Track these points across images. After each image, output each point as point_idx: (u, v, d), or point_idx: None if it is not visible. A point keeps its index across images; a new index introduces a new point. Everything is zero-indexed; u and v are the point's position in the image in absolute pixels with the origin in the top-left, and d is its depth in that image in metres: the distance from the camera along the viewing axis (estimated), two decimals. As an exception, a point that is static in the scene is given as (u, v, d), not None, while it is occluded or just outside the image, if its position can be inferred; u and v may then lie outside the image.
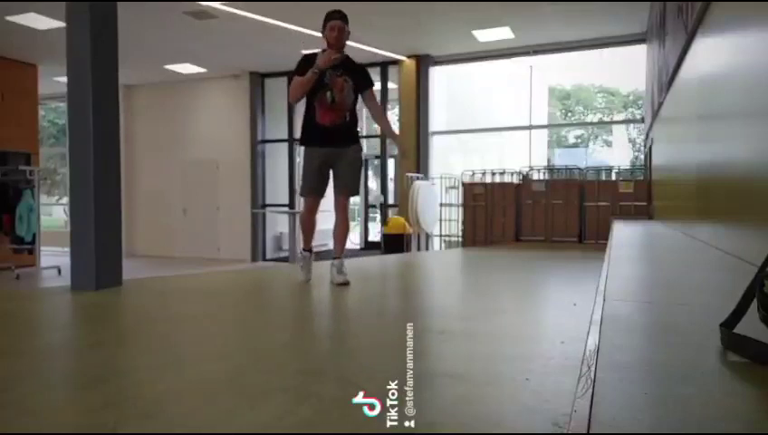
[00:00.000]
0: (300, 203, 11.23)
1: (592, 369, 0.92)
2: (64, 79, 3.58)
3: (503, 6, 7.55)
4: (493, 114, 11.47)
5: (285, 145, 11.47)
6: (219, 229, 11.73)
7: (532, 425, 1.26)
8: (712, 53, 2.95)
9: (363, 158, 3.70)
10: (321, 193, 3.51)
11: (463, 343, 2.13)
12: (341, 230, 3.53)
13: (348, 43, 3.47)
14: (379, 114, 3.76)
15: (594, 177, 8.28)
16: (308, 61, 3.42)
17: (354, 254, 11.08)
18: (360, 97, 3.52)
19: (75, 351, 2.16)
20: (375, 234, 11.34)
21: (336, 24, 3.36)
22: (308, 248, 3.65)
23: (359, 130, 3.63)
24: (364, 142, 12.71)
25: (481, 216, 8.13)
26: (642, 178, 8.06)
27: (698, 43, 3.35)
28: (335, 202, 3.53)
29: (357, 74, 3.49)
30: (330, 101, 3.37)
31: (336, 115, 3.40)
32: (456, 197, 8.90)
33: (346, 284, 3.30)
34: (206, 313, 2.76)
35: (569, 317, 2.47)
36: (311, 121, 3.44)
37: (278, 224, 11.58)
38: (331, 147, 3.41)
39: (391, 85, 10.56)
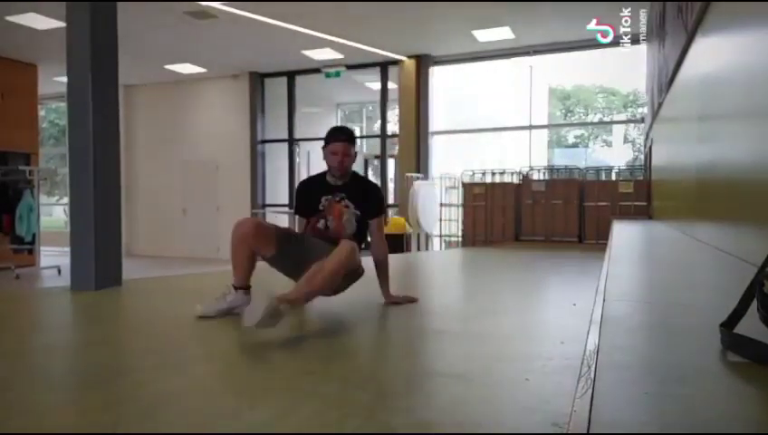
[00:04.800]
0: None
1: (592, 369, 0.92)
2: (64, 79, 3.58)
3: (503, 6, 7.55)
4: (493, 114, 11.46)
5: (285, 145, 11.47)
6: (219, 229, 11.72)
7: (532, 425, 1.26)
8: (712, 53, 2.95)
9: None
10: None
11: (463, 343, 2.13)
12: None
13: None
14: (381, 267, 2.87)
15: (594, 177, 8.28)
16: (307, 185, 2.98)
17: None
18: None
19: (75, 351, 2.16)
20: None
21: (339, 148, 2.77)
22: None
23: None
24: (364, 142, 12.77)
25: (481, 216, 8.13)
26: (642, 178, 8.06)
27: (698, 43, 3.35)
28: None
29: (366, 199, 2.85)
30: (323, 228, 2.80)
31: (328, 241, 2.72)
32: (456, 197, 8.90)
33: None
34: (206, 313, 2.75)
35: (569, 317, 2.47)
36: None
37: (278, 224, 11.57)
38: None
39: (391, 85, 10.56)
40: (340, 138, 2.79)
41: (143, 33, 8.53)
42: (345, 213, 2.80)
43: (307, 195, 2.90)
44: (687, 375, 0.92)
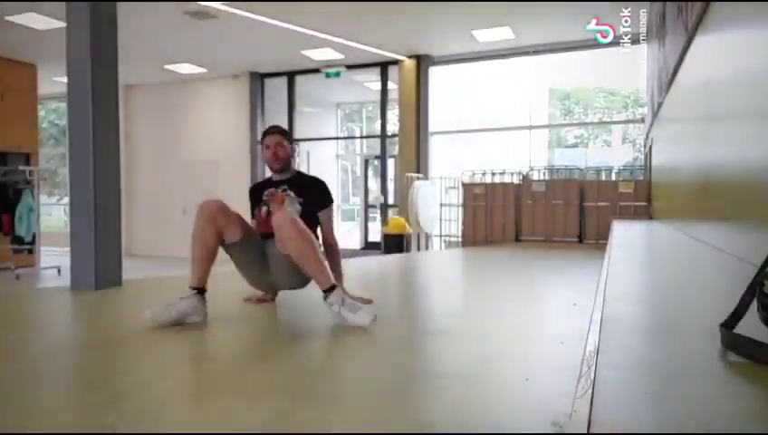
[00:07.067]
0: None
1: (592, 369, 0.92)
2: (64, 79, 3.58)
3: (503, 6, 7.55)
4: (493, 114, 11.46)
5: (285, 145, 11.47)
6: (219, 229, 11.72)
7: (532, 425, 1.26)
8: (712, 53, 2.95)
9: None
10: None
11: (463, 343, 2.13)
12: None
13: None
14: (332, 252, 2.75)
15: (594, 177, 8.28)
16: (255, 187, 3.00)
17: (354, 254, 11.09)
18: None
19: (75, 351, 2.16)
20: (375, 234, 11.33)
21: (270, 142, 2.84)
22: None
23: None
24: (364, 142, 12.76)
25: (481, 216, 8.13)
26: (642, 178, 8.06)
27: (698, 43, 3.34)
28: None
29: (310, 189, 2.84)
30: (265, 215, 2.78)
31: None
32: (456, 197, 8.90)
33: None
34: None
35: (569, 317, 2.47)
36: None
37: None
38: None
39: (391, 85, 10.56)
40: (270, 132, 2.88)
41: (143, 33, 8.53)
42: (287, 199, 2.80)
43: (255, 195, 2.93)
44: (687, 375, 0.92)
